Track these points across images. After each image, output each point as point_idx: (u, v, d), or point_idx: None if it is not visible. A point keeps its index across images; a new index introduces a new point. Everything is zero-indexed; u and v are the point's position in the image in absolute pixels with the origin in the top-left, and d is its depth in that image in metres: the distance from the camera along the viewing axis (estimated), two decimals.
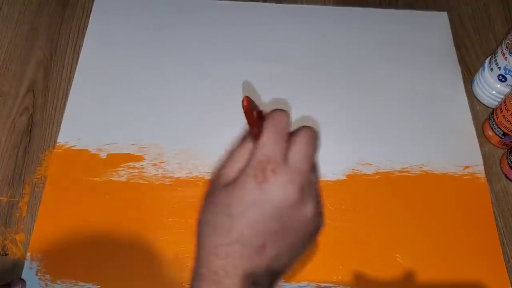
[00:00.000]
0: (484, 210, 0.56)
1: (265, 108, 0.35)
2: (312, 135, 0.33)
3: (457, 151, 0.60)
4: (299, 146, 0.32)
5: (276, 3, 0.71)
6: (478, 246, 0.53)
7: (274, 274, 0.33)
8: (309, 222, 0.33)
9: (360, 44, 0.68)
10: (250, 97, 0.32)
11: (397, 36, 0.69)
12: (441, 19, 0.71)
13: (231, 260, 0.31)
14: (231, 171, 0.33)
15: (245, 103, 0.32)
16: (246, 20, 0.69)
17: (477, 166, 0.58)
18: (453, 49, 0.68)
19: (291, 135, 0.33)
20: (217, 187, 0.33)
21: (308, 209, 0.33)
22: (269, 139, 0.32)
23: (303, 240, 0.34)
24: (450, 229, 0.54)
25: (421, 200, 0.56)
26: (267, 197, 0.31)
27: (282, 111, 0.34)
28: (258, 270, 0.32)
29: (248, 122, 0.33)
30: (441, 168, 0.58)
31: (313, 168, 0.34)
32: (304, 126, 0.34)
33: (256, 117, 0.33)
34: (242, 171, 0.32)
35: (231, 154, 0.34)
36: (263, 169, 0.31)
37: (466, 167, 0.58)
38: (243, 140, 0.34)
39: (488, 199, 0.56)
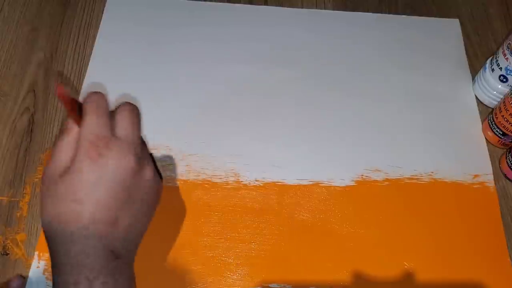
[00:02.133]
0: (493, 220, 0.55)
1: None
2: (132, 108, 0.36)
3: (467, 159, 0.59)
4: (123, 120, 0.34)
5: (277, 5, 0.71)
6: (487, 256, 0.53)
7: (132, 242, 0.35)
8: (151, 185, 0.35)
9: (370, 49, 0.68)
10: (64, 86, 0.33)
11: (408, 43, 0.68)
12: (453, 26, 0.71)
13: (89, 242, 0.32)
14: (63, 161, 0.33)
15: (58, 91, 0.32)
16: (259, 23, 0.69)
17: (487, 175, 0.58)
18: (464, 56, 0.68)
19: (113, 113, 0.35)
20: (52, 181, 0.33)
21: (147, 174, 0.35)
22: (92, 119, 0.33)
23: (149, 203, 0.36)
24: (459, 239, 0.54)
25: (430, 208, 0.55)
26: (107, 171, 0.32)
27: (97, 93, 0.35)
28: (117, 242, 0.33)
29: (67, 108, 0.33)
30: (451, 176, 0.58)
31: (141, 139, 0.36)
32: (123, 102, 0.36)
33: (74, 105, 0.34)
34: (75, 157, 0.33)
35: (57, 147, 0.34)
36: (95, 147, 0.32)
37: (476, 175, 0.58)
38: (63, 132, 0.34)
39: (497, 209, 0.56)
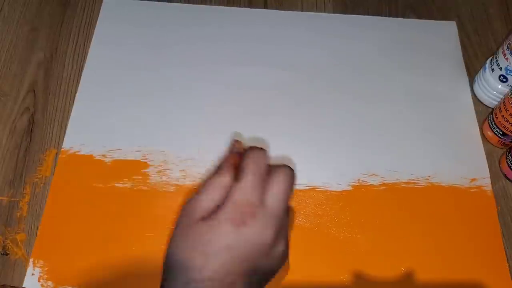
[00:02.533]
0: (490, 224, 0.55)
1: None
2: (290, 176, 0.34)
3: (464, 163, 0.59)
4: (276, 189, 0.33)
5: (278, 9, 0.71)
6: (484, 261, 0.53)
7: None
8: (278, 261, 0.35)
9: (367, 52, 0.67)
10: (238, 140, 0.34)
11: (405, 46, 0.68)
12: (450, 28, 0.71)
13: None
14: (205, 205, 0.33)
15: (236, 146, 0.33)
16: (255, 26, 0.69)
17: (484, 179, 0.58)
18: (461, 58, 0.68)
19: (269, 174, 0.34)
20: (192, 220, 0.33)
21: (279, 250, 0.34)
22: (249, 181, 0.33)
23: (269, 276, 0.35)
24: (456, 243, 0.53)
25: (427, 212, 0.55)
26: (243, 240, 0.32)
27: (260, 151, 0.34)
28: None
29: (233, 163, 0.34)
30: (448, 180, 0.57)
31: (287, 209, 0.34)
32: (282, 166, 0.34)
33: (237, 160, 0.34)
34: (220, 209, 0.32)
35: (206, 186, 0.34)
36: (242, 213, 0.32)
37: (473, 179, 0.58)
38: (217, 173, 0.34)
39: (494, 213, 0.56)
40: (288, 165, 0.35)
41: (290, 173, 0.34)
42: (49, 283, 0.49)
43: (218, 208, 0.33)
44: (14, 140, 0.58)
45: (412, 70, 0.66)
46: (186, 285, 0.32)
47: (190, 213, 0.33)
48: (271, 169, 0.34)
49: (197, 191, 0.34)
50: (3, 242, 0.51)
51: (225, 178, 0.34)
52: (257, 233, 0.32)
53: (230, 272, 0.32)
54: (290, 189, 0.34)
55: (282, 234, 0.34)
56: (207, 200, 0.33)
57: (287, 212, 0.35)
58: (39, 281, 0.49)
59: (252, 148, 0.35)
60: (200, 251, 0.32)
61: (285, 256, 0.36)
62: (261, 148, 0.35)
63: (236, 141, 0.34)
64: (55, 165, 0.56)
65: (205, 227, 0.32)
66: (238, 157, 0.34)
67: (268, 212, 0.33)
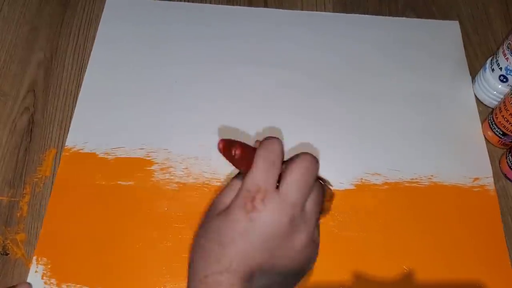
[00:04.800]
0: (493, 223, 0.55)
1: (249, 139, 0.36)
2: (310, 163, 0.32)
3: (467, 162, 0.59)
4: (293, 175, 0.32)
5: (277, 8, 0.71)
6: (487, 260, 0.53)
7: None
8: (299, 253, 0.33)
9: (368, 51, 0.67)
10: (227, 138, 0.32)
11: (408, 45, 0.68)
12: (452, 27, 0.71)
13: None
14: (225, 200, 0.33)
15: (221, 146, 0.32)
16: (259, 25, 0.69)
17: (487, 178, 0.58)
18: (464, 58, 0.68)
19: (289, 162, 0.33)
20: (211, 215, 0.33)
21: (298, 241, 0.33)
22: (259, 167, 0.32)
23: (294, 270, 0.34)
24: (459, 242, 0.53)
25: (430, 211, 0.55)
26: (255, 226, 0.31)
27: (273, 138, 0.33)
28: None
29: (231, 162, 0.33)
30: (451, 179, 0.57)
31: (307, 197, 0.33)
32: (303, 153, 0.33)
33: (240, 154, 0.32)
34: (233, 200, 0.32)
35: (225, 188, 0.34)
36: (252, 198, 0.31)
37: (476, 179, 0.58)
38: (236, 176, 0.34)
39: (497, 212, 0.55)
40: (309, 152, 0.33)
41: (308, 158, 0.32)
42: (52, 280, 0.49)
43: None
44: (14, 140, 0.57)
45: (415, 69, 0.66)
46: (204, 278, 0.31)
47: (210, 209, 0.34)
48: (292, 158, 0.33)
49: (221, 190, 0.34)
50: (3, 242, 0.51)
51: (240, 178, 0.33)
52: (269, 218, 0.31)
53: (246, 262, 0.31)
54: (310, 176, 0.32)
55: (302, 224, 0.32)
56: (225, 197, 0.33)
57: (314, 206, 0.34)
58: (42, 278, 0.49)
59: (266, 139, 0.34)
60: (218, 241, 0.32)
61: (308, 250, 0.33)
62: (274, 137, 0.33)
63: (220, 141, 0.32)
64: (55, 164, 0.56)
65: (221, 219, 0.32)
66: (242, 151, 0.33)
67: (281, 198, 0.31)
